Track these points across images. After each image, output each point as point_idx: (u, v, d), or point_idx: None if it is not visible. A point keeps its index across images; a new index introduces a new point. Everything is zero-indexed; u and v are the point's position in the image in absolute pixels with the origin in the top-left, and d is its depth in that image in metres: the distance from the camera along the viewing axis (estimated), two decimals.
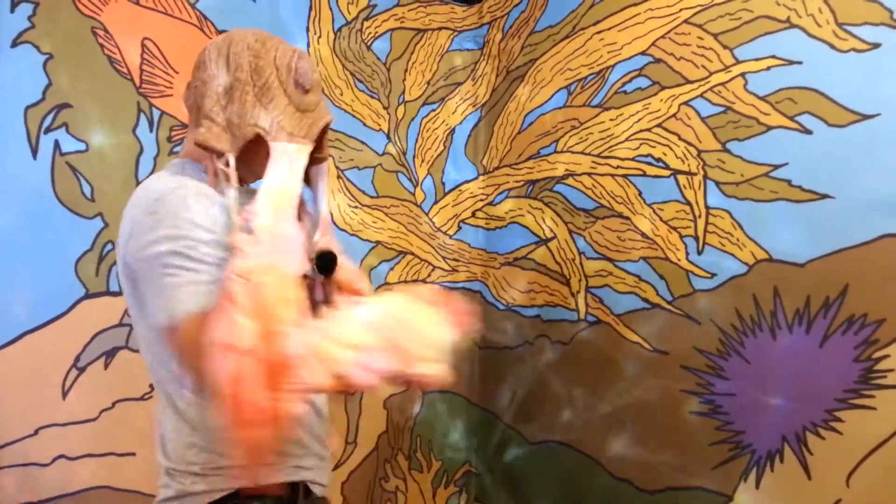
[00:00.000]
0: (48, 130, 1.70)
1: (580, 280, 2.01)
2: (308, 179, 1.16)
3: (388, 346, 0.94)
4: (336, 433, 1.23)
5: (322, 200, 1.18)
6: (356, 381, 0.90)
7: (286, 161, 1.03)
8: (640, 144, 1.86)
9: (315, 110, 1.09)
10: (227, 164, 1.01)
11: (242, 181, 1.06)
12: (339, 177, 2.16)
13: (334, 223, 2.14)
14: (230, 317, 0.87)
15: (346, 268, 1.16)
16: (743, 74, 1.63)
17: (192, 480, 1.04)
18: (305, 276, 1.07)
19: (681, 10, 1.77)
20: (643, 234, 1.84)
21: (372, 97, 2.24)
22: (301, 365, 0.87)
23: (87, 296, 1.74)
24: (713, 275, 1.67)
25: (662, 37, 1.81)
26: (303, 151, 1.05)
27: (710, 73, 1.69)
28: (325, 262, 1.12)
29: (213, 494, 1.03)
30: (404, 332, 0.96)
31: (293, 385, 0.87)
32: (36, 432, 1.68)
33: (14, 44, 1.67)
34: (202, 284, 0.94)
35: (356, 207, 2.19)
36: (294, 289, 0.94)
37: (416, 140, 2.33)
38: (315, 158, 1.13)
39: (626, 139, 1.90)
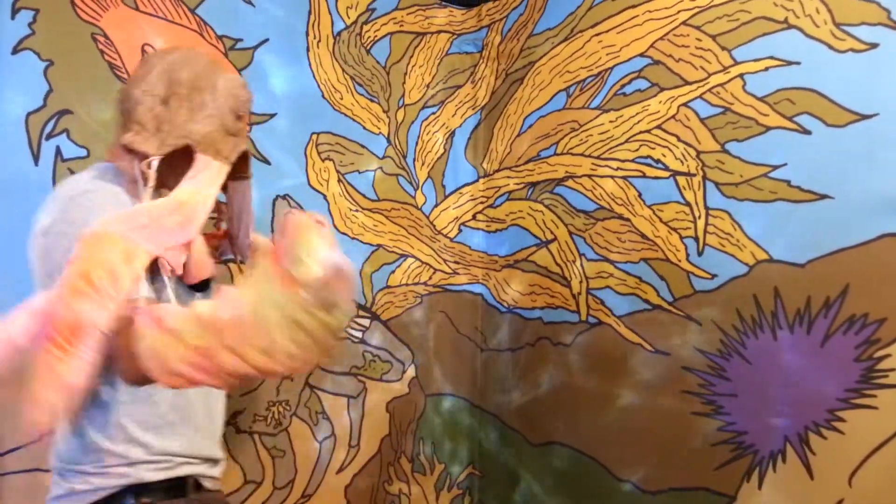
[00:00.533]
0: (49, 137, 1.71)
1: (581, 282, 2.01)
2: (228, 196, 1.26)
3: (213, 348, 0.87)
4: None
5: (251, 213, 1.27)
6: (199, 380, 0.89)
7: (208, 174, 1.09)
8: (640, 146, 1.87)
9: (239, 135, 1.17)
10: (150, 167, 1.07)
11: (163, 187, 1.11)
12: (339, 181, 2.17)
13: (335, 227, 2.15)
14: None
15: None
16: (741, 75, 1.63)
17: (80, 479, 1.10)
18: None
19: (679, 11, 1.77)
20: (643, 236, 1.84)
21: (371, 101, 2.25)
22: (90, 330, 0.86)
23: None
24: (714, 276, 1.68)
25: (661, 38, 1.82)
26: (223, 170, 1.12)
27: (709, 75, 1.70)
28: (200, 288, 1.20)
29: (100, 493, 1.09)
30: (237, 334, 0.87)
31: (78, 348, 0.86)
32: (41, 438, 1.68)
33: (14, 51, 1.68)
34: None
35: (356, 211, 2.20)
36: (133, 265, 0.95)
37: (416, 143, 2.34)
38: (240, 177, 1.22)
39: (626, 141, 1.90)
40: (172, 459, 1.13)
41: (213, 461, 1.22)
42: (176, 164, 1.11)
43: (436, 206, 2.36)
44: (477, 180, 2.41)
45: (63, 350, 0.84)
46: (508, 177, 2.30)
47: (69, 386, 0.86)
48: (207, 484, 1.20)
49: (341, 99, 2.18)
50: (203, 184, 1.09)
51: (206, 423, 1.21)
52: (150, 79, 1.12)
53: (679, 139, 1.77)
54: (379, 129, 2.26)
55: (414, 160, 2.33)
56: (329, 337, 0.87)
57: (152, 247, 0.99)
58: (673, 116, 1.78)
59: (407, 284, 2.29)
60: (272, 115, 2.03)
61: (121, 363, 0.95)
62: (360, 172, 2.21)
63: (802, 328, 1.50)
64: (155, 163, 1.07)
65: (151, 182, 1.06)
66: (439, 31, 2.39)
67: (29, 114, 1.69)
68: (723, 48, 1.67)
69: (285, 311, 0.84)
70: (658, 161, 1.82)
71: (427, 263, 2.33)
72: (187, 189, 1.07)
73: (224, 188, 1.23)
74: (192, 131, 1.09)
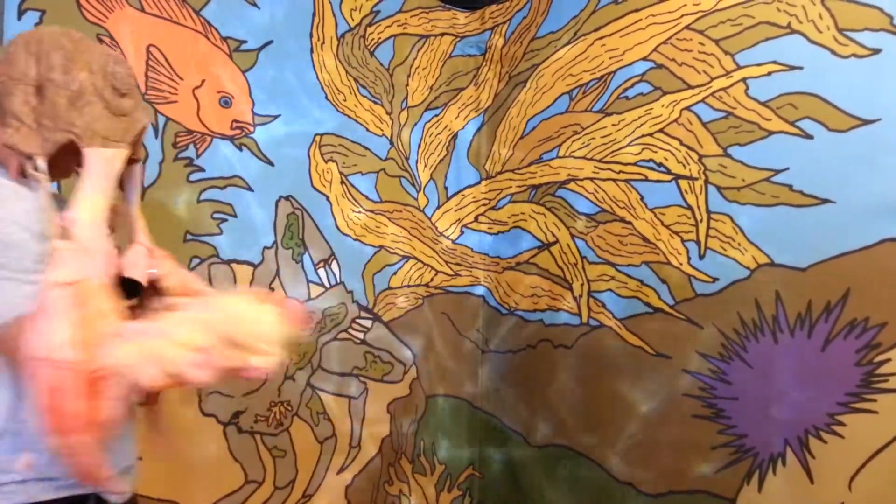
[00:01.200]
0: None
1: (582, 284, 2.02)
2: (120, 182, 1.14)
3: (221, 342, 0.97)
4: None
5: (134, 203, 1.17)
6: (191, 378, 0.94)
7: (102, 167, 1.03)
8: (642, 149, 1.87)
9: (131, 114, 1.08)
10: (37, 168, 0.99)
11: (55, 180, 1.05)
12: (342, 182, 2.17)
13: (338, 229, 2.15)
14: (47, 327, 0.90)
15: (178, 273, 1.17)
16: (744, 80, 1.64)
17: None
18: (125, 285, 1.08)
19: (682, 16, 1.78)
20: (645, 239, 1.85)
21: (375, 103, 2.25)
22: (120, 372, 0.91)
23: None
24: (715, 279, 1.68)
25: (664, 42, 1.82)
26: (118, 156, 1.04)
27: (712, 79, 1.70)
28: (129, 289, 1.10)
29: None
30: (236, 328, 0.99)
31: (112, 392, 0.91)
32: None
33: None
34: (24, 285, 0.94)
35: (359, 212, 2.20)
36: (108, 298, 0.96)
37: (419, 145, 2.34)
38: (128, 160, 1.11)
39: (628, 144, 1.91)
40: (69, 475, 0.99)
41: (124, 471, 1.09)
42: (66, 152, 1.02)
43: (438, 207, 2.37)
44: (479, 182, 2.42)
45: (99, 399, 0.91)
46: (511, 179, 2.31)
47: (107, 419, 0.92)
48: (113, 499, 1.07)
49: (344, 100, 2.19)
50: (101, 181, 1.02)
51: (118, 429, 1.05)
52: (17, 65, 1.01)
53: (681, 143, 1.77)
54: (382, 130, 2.26)
55: (416, 162, 2.34)
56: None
57: (108, 274, 0.99)
58: (675, 120, 1.79)
59: (409, 286, 2.29)
60: (276, 117, 2.04)
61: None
62: (362, 174, 2.22)
63: (803, 332, 1.51)
64: (42, 164, 0.99)
65: (45, 185, 0.99)
66: (443, 34, 2.40)
67: None
68: (726, 52, 1.68)
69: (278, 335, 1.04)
70: (660, 164, 1.82)
71: (429, 265, 2.34)
72: (89, 200, 1.00)
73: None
74: (73, 123, 1.00)
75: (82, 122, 1.01)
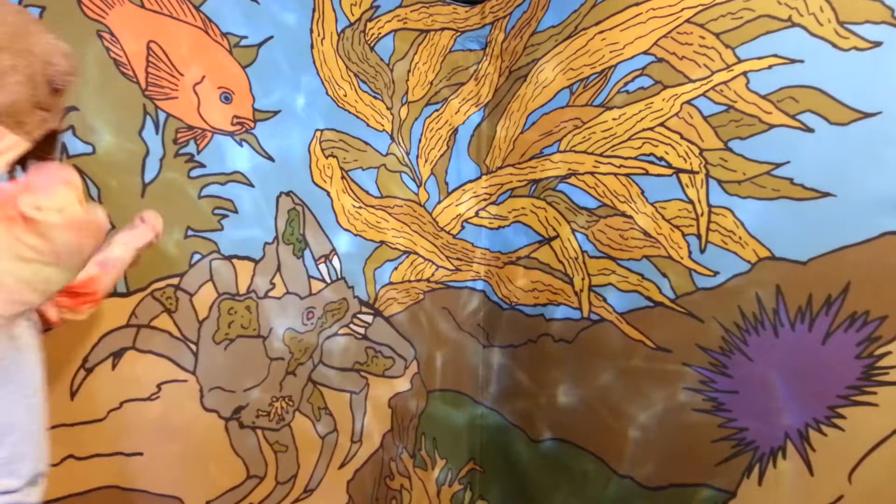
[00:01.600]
0: None
1: (583, 279, 2.02)
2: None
3: None
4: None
5: None
6: None
7: None
8: (643, 143, 1.87)
9: (50, 111, 1.02)
10: None
11: None
12: (343, 177, 2.18)
13: (339, 224, 2.15)
14: None
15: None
16: (745, 73, 1.64)
17: None
18: None
19: (682, 9, 1.78)
20: (646, 233, 1.85)
21: (375, 98, 2.25)
22: None
23: None
24: (716, 273, 1.68)
25: (664, 36, 1.82)
26: (19, 146, 0.97)
27: (712, 73, 1.70)
28: None
29: None
30: None
31: None
32: None
33: None
34: None
35: (360, 207, 2.20)
36: None
37: (420, 140, 2.34)
38: (43, 157, 1.05)
39: (629, 138, 1.91)
40: None
41: (34, 481, 0.98)
42: None
43: (439, 202, 2.37)
44: (480, 177, 2.42)
45: None
46: (511, 174, 2.31)
47: None
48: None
49: (345, 96, 2.19)
50: None
51: (29, 425, 0.97)
52: None
53: (682, 137, 1.77)
54: (382, 125, 2.26)
55: (417, 157, 2.34)
56: None
57: None
58: (676, 114, 1.78)
59: (410, 281, 2.29)
60: (276, 112, 2.04)
61: None
62: (363, 169, 2.22)
63: (804, 325, 1.51)
64: None
65: None
66: (443, 29, 2.40)
67: None
68: (726, 46, 1.67)
69: None
70: (661, 158, 1.82)
71: (430, 260, 2.34)
72: None
73: (23, 168, 1.05)
74: None
75: (5, 98, 0.95)
